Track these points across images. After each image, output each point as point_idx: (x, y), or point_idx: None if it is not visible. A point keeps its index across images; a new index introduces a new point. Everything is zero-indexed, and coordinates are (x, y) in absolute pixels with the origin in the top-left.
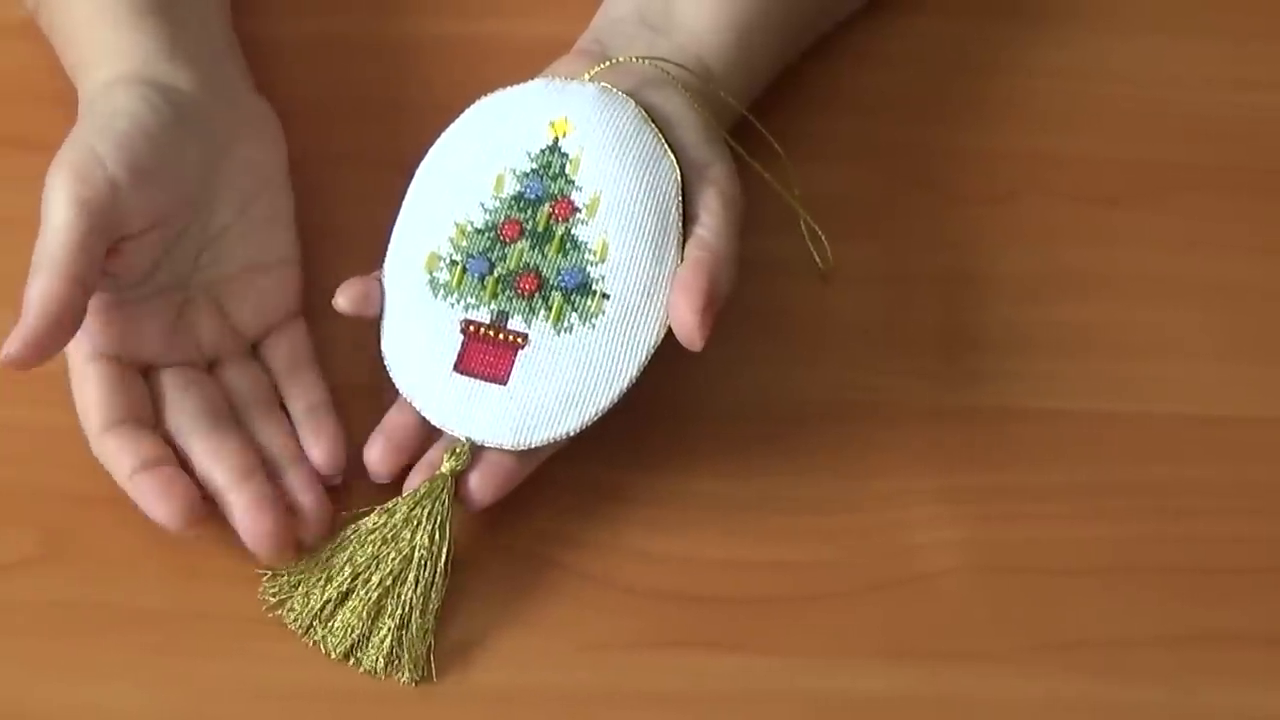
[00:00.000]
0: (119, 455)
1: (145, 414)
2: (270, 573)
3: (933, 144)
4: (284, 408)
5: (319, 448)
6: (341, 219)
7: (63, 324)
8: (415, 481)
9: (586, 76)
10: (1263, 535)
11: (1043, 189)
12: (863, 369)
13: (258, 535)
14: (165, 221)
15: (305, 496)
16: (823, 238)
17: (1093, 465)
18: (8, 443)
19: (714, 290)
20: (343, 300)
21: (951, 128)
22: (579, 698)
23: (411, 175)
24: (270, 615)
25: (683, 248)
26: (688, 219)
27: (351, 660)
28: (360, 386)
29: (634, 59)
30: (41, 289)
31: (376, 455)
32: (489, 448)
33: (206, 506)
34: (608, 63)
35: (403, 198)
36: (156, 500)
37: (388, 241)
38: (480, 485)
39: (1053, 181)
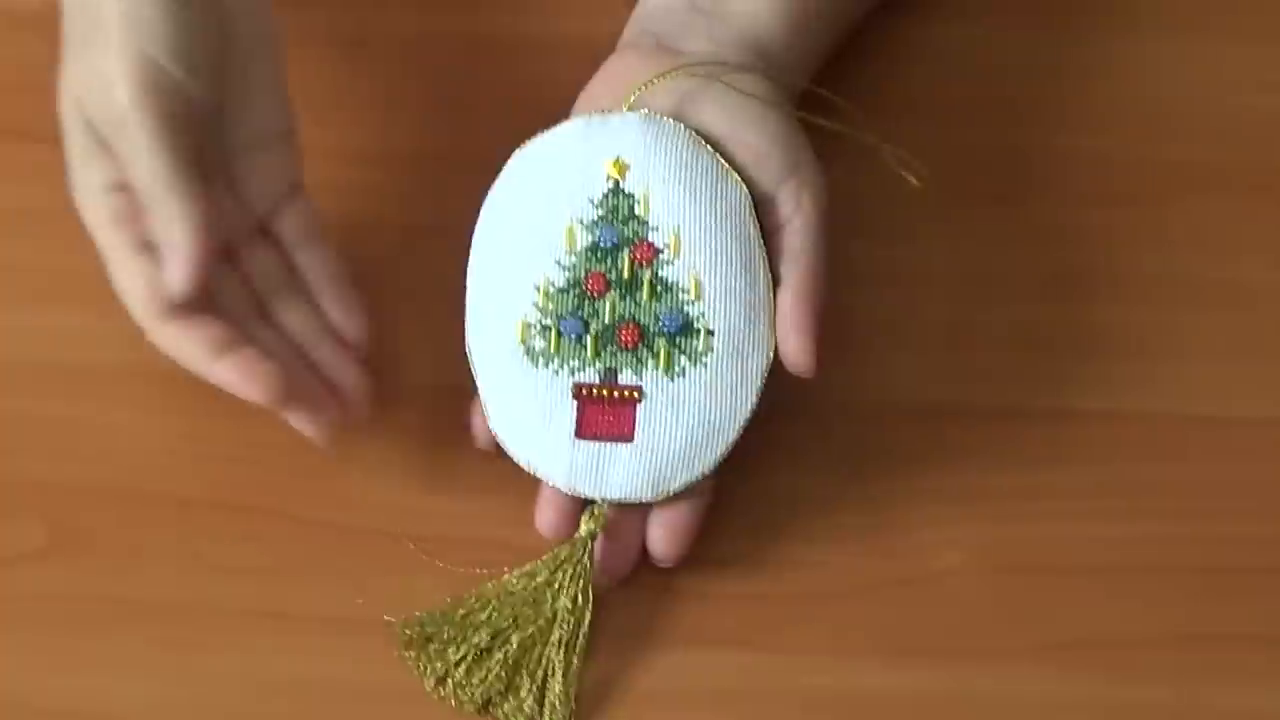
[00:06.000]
0: (190, 344)
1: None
2: (402, 620)
3: (940, 143)
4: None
5: (349, 319)
6: (375, 216)
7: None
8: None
9: (624, 107)
10: (1269, 536)
11: (1059, 190)
12: (868, 367)
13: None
14: (213, 109)
15: (345, 373)
16: (906, 155)
17: (1098, 465)
18: (14, 435)
19: (820, 313)
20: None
21: (960, 127)
22: (581, 694)
23: (440, 169)
24: (406, 665)
25: (768, 262)
26: (774, 227)
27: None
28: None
29: (656, 78)
30: (178, 212)
31: (548, 523)
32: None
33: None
34: (643, 88)
35: (419, 196)
36: (246, 384)
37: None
38: (664, 541)
39: (1061, 181)
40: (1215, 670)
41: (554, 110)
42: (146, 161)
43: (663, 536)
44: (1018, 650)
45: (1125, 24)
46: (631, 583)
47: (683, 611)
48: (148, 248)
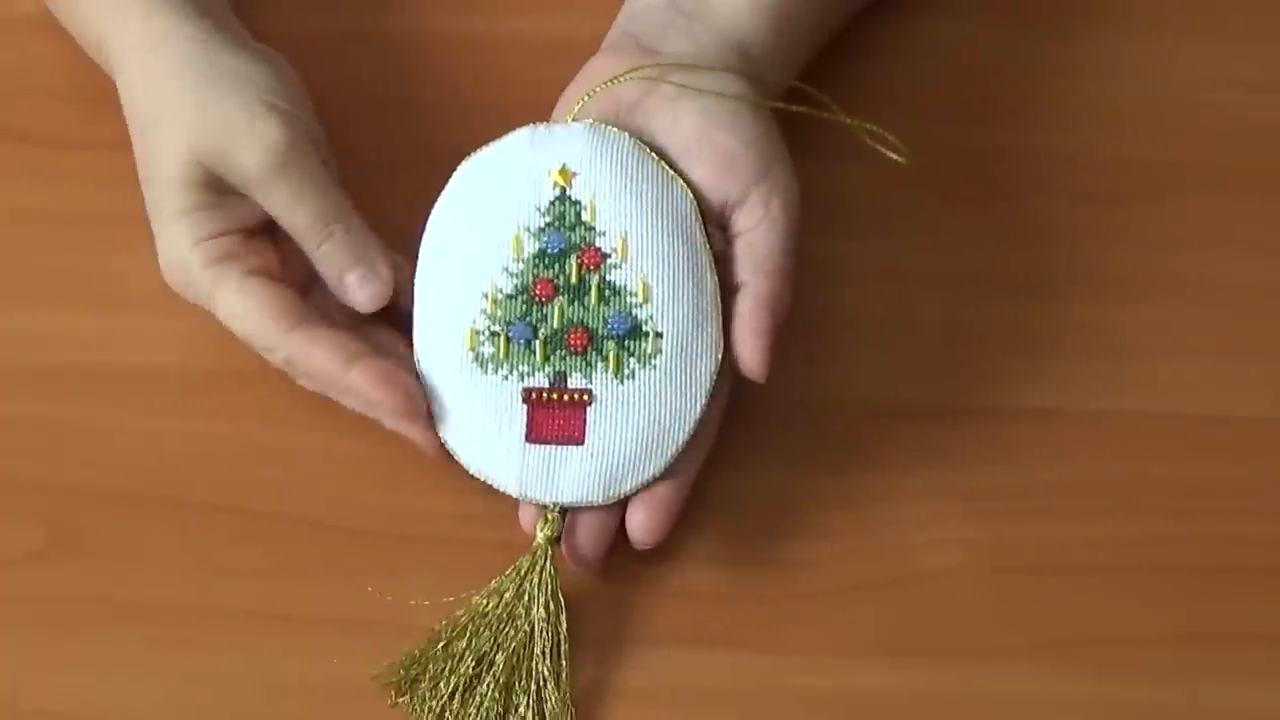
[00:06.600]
0: (322, 351)
1: (314, 313)
2: (383, 671)
3: (935, 142)
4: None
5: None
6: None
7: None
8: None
9: (569, 117)
10: (1266, 535)
11: (1046, 188)
12: (864, 366)
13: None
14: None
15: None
16: (887, 135)
17: (1095, 464)
18: (14, 437)
19: (780, 320)
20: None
21: (954, 126)
22: (575, 697)
23: (420, 170)
24: (384, 691)
25: (714, 267)
26: (743, 229)
27: None
28: None
29: (618, 79)
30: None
31: (530, 520)
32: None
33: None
34: (600, 88)
35: (410, 195)
36: (381, 390)
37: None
38: (643, 527)
39: (1056, 180)
40: (1215, 670)
41: (546, 110)
42: (320, 193)
43: (642, 521)
44: (1015, 650)
45: (1111, 23)
46: (622, 582)
47: (675, 611)
48: (256, 273)
